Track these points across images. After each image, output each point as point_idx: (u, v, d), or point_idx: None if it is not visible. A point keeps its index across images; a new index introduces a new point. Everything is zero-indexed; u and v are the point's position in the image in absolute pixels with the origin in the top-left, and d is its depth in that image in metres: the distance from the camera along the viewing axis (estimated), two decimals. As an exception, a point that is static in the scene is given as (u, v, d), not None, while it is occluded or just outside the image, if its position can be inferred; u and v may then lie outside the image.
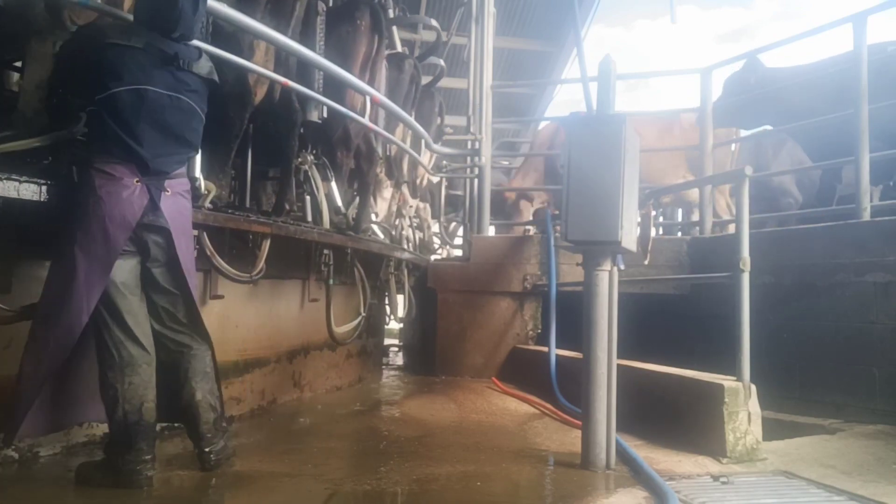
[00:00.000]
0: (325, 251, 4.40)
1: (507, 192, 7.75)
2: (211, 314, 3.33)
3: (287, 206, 3.92)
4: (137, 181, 2.47)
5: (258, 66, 3.43)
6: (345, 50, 4.35)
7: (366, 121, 4.37)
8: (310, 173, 4.38)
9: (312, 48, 3.95)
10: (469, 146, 6.69)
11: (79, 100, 2.57)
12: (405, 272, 5.89)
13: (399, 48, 6.66)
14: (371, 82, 4.56)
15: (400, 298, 6.10)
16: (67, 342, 2.43)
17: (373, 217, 5.43)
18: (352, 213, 4.96)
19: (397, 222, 6.17)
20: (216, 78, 2.80)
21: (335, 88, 4.14)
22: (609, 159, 2.82)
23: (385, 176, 5.62)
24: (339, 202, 4.67)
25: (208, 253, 3.23)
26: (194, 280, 2.72)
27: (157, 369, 2.61)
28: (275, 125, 3.92)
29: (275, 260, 3.70)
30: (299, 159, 4.19)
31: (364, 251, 4.80)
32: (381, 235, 5.56)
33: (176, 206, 2.60)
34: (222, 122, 3.33)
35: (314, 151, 4.54)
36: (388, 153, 5.53)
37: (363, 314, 4.92)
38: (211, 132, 2.93)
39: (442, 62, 7.35)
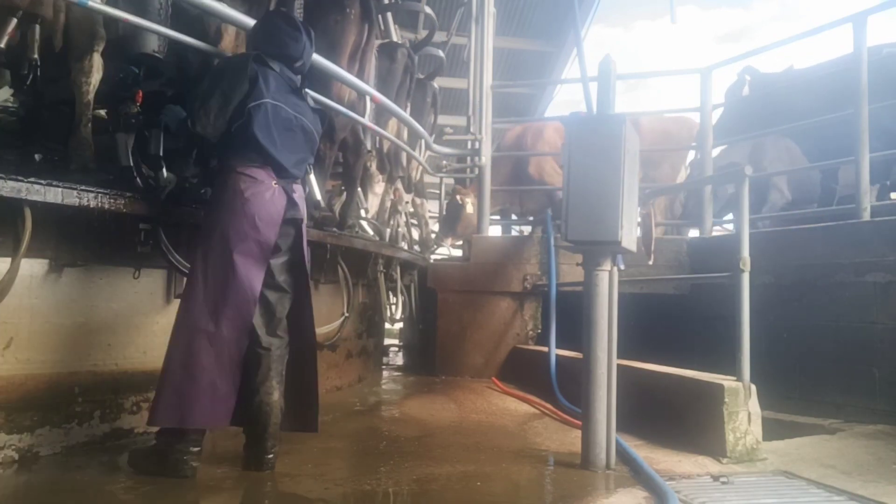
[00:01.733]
0: None
1: (461, 198, 7.57)
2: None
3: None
4: (276, 183, 2.73)
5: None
6: (332, 39, 4.24)
7: (351, 113, 4.25)
8: None
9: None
10: (469, 146, 6.69)
11: (225, 111, 2.71)
12: (398, 271, 5.75)
13: (395, 38, 6.44)
14: (360, 73, 4.44)
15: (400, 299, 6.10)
16: (244, 336, 2.64)
17: (362, 213, 5.31)
18: (339, 208, 4.85)
19: (393, 219, 6.06)
20: (324, 110, 3.18)
21: (319, 79, 3.98)
22: (609, 159, 2.82)
23: (377, 170, 5.46)
24: (318, 196, 4.43)
25: (164, 248, 3.10)
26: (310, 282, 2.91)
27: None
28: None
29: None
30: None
31: (347, 248, 4.63)
32: (371, 232, 5.37)
33: (301, 206, 2.88)
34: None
35: None
36: (377, 145, 5.32)
37: (346, 314, 4.79)
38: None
39: (440, 52, 7.21)
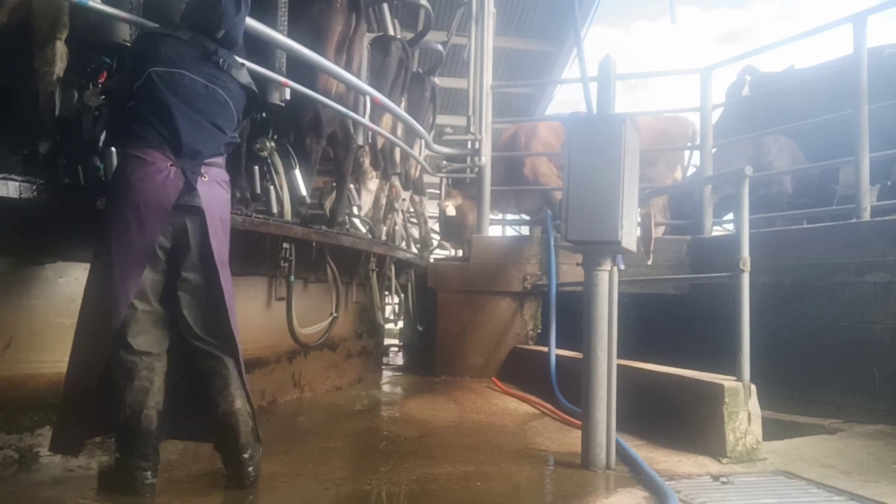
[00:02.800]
0: (285, 245, 3.91)
1: (442, 203, 7.49)
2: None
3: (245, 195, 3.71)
4: (171, 164, 2.40)
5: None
6: (317, 29, 4.06)
7: (339, 106, 4.08)
8: (270, 160, 4.01)
9: (273, 24, 3.67)
10: (469, 146, 6.68)
11: (123, 94, 2.53)
12: (392, 270, 5.52)
13: (392, 31, 6.14)
14: (348, 65, 4.26)
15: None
16: (107, 338, 2.37)
17: (355, 210, 5.14)
18: (330, 205, 4.69)
19: (389, 216, 5.86)
20: (255, 88, 2.78)
21: (304, 70, 3.85)
22: (609, 159, 2.82)
23: (370, 166, 5.21)
24: (304, 191, 4.17)
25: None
26: (228, 279, 2.56)
27: (186, 381, 2.52)
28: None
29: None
30: (257, 145, 3.88)
31: (334, 246, 4.37)
32: (363, 230, 5.17)
33: (212, 194, 2.51)
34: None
35: (274, 137, 4.11)
36: (369, 140, 5.03)
37: (335, 314, 4.53)
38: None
39: (439, 46, 7.09)
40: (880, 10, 4.44)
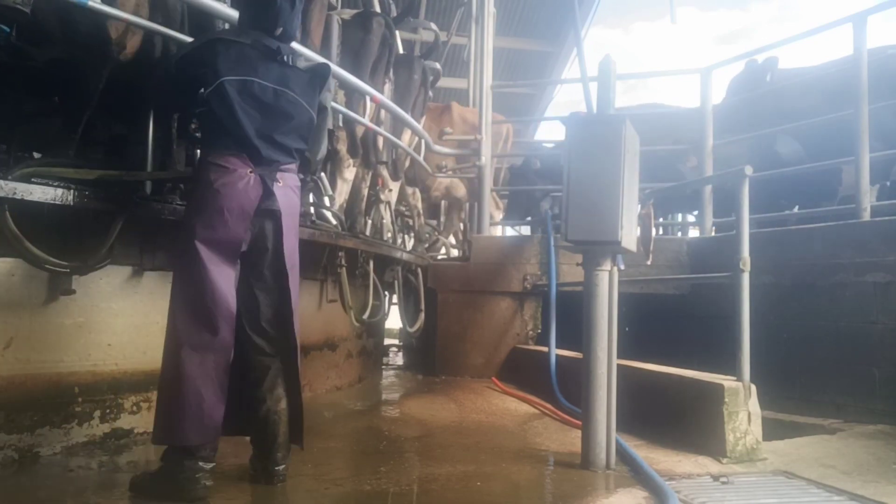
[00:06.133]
0: None
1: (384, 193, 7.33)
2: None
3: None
4: (251, 171, 2.49)
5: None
6: None
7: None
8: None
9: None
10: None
11: (191, 102, 2.59)
12: (370, 266, 5.02)
13: (377, 8, 5.77)
14: (303, 39, 3.81)
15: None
16: (224, 338, 2.42)
17: (326, 201, 4.75)
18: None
19: (374, 210, 5.45)
20: (322, 63, 2.82)
21: None
22: (609, 159, 2.82)
23: (348, 153, 4.80)
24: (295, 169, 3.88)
25: (8, 235, 2.60)
26: (296, 282, 2.65)
27: (235, 375, 2.51)
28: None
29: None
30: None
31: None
32: (334, 222, 4.67)
33: (287, 198, 2.60)
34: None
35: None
36: (339, 123, 4.60)
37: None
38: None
39: (433, 25, 6.91)
40: (880, 10, 4.45)
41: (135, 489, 2.42)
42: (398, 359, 8.07)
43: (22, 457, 2.73)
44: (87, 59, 2.83)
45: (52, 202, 2.59)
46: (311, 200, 4.38)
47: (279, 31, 2.63)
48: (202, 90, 2.49)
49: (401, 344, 8.49)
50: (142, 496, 2.39)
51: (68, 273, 2.82)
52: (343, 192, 4.87)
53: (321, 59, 2.90)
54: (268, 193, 2.52)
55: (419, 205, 6.79)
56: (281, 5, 2.59)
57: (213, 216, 2.42)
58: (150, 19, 2.94)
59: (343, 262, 4.53)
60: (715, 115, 5.81)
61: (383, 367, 6.96)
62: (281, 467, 2.58)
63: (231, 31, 2.65)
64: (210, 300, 2.40)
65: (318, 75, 2.81)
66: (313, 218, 4.25)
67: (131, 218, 2.91)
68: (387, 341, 7.77)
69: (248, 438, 2.67)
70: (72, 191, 2.65)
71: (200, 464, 2.38)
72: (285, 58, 2.63)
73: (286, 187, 2.60)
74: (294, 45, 2.81)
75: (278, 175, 2.57)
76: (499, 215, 7.94)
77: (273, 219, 2.56)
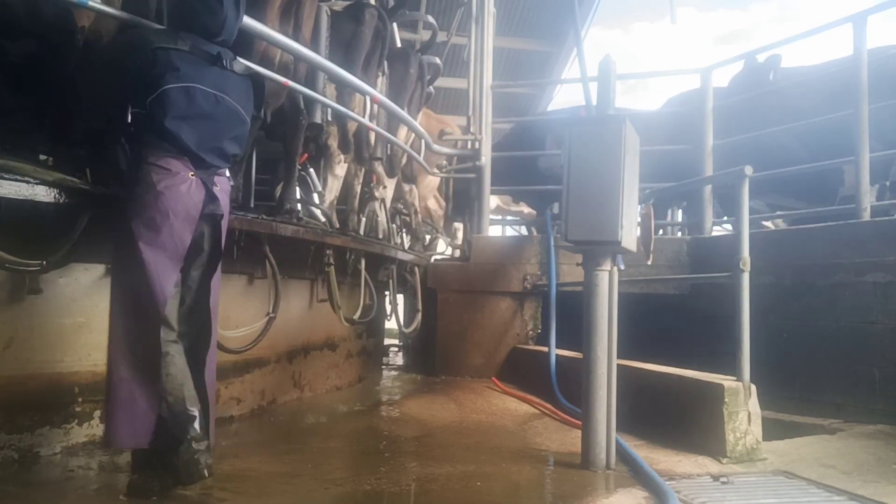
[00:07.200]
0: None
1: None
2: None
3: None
4: (192, 175, 2.50)
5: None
6: None
7: (278, 76, 3.52)
8: None
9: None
10: (469, 146, 6.66)
11: (125, 104, 2.58)
12: (362, 265, 4.86)
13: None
14: (295, 33, 3.73)
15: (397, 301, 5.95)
16: (155, 338, 2.42)
17: (315, 198, 4.67)
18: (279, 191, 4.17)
19: (367, 207, 5.31)
20: (256, 75, 2.82)
21: (239, 36, 3.12)
22: (609, 159, 2.82)
23: (339, 149, 4.62)
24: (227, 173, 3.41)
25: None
26: (218, 279, 2.70)
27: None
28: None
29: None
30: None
31: (271, 236, 3.72)
32: (323, 220, 4.55)
33: (224, 202, 2.64)
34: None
35: None
36: (328, 118, 4.39)
37: (272, 314, 3.94)
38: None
39: (430, 18, 6.82)
40: (880, 10, 4.45)
41: (135, 491, 2.41)
42: (398, 359, 8.07)
43: (22, 457, 2.73)
44: (55, 49, 2.75)
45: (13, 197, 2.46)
46: (297, 196, 4.31)
47: (219, 39, 2.64)
48: (141, 93, 2.46)
49: (401, 344, 8.49)
50: (144, 495, 2.39)
51: (38, 272, 2.72)
52: (334, 188, 4.76)
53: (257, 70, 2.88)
54: (211, 197, 2.54)
55: (416, 202, 6.70)
56: (227, 14, 2.60)
57: (157, 219, 2.42)
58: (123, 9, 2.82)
59: (331, 260, 4.40)
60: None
61: (383, 367, 6.96)
62: (201, 458, 2.52)
63: (166, 34, 2.57)
64: (151, 305, 2.40)
65: (256, 85, 2.83)
66: (300, 215, 4.15)
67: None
68: (387, 341, 7.77)
69: (252, 438, 2.67)
70: (35, 186, 2.51)
71: (194, 445, 2.40)
72: (224, 62, 2.62)
73: (222, 191, 2.62)
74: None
75: (216, 178, 2.59)
76: (441, 213, 8.02)
77: (213, 223, 2.60)
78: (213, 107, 2.56)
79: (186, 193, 2.47)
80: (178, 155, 2.48)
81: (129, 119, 2.56)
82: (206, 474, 2.40)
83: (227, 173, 2.72)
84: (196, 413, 2.45)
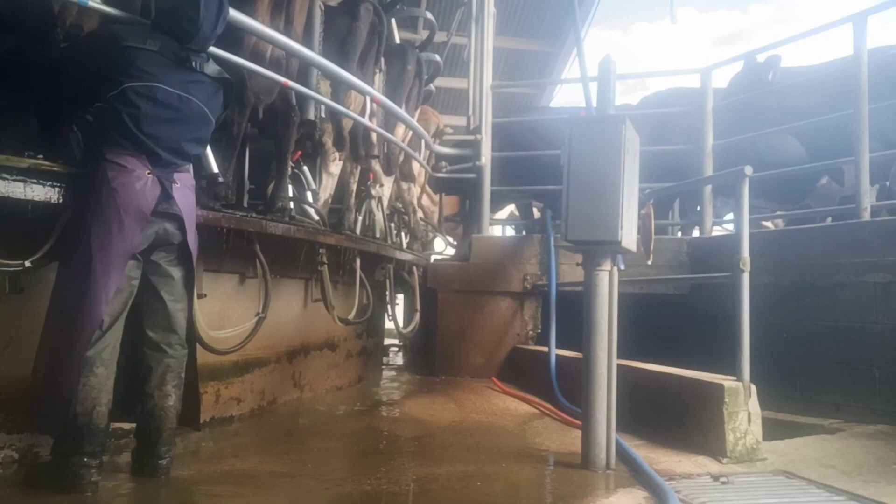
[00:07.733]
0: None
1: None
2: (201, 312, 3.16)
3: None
4: (149, 173, 2.51)
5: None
6: None
7: (273, 74, 3.49)
8: None
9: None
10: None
11: (87, 98, 2.57)
12: (357, 264, 4.77)
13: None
14: (286, 28, 3.69)
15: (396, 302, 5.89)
16: (90, 337, 2.42)
17: (309, 196, 4.59)
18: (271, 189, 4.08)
19: (364, 206, 5.23)
20: (227, 77, 2.84)
21: (227, 30, 3.01)
22: (609, 159, 2.82)
23: (334, 147, 4.57)
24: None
25: None
26: (197, 282, 2.72)
27: (126, 369, 2.57)
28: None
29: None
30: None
31: (259, 234, 3.58)
32: (316, 218, 4.42)
33: (185, 199, 2.65)
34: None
35: None
36: (321, 114, 4.29)
37: (261, 314, 3.73)
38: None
39: (429, 15, 6.83)
40: (880, 10, 4.45)
41: (27, 480, 2.48)
42: (398, 359, 8.08)
43: (22, 457, 2.72)
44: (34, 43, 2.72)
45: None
46: (290, 194, 4.26)
47: (194, 46, 2.65)
48: (104, 89, 2.47)
49: (401, 344, 8.49)
50: (34, 488, 2.43)
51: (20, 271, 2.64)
52: (328, 186, 4.73)
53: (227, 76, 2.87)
54: (166, 196, 2.54)
55: (415, 201, 6.67)
56: (202, 26, 2.61)
57: (108, 215, 2.42)
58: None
59: (324, 259, 4.33)
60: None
61: (383, 366, 6.96)
62: (164, 461, 2.63)
63: (137, 33, 2.57)
64: (85, 309, 2.40)
65: (227, 86, 2.83)
66: (292, 213, 4.09)
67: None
68: (387, 341, 7.78)
69: (252, 438, 2.68)
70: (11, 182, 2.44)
71: (86, 460, 2.40)
72: (193, 63, 2.64)
73: (183, 188, 2.64)
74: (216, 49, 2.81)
75: (175, 176, 2.60)
76: (434, 209, 8.04)
77: (175, 220, 2.62)
78: (175, 107, 2.58)
79: (140, 192, 2.47)
80: (135, 152, 2.49)
81: (92, 115, 2.57)
82: (89, 491, 2.39)
83: (191, 170, 2.74)
84: (102, 428, 2.45)
